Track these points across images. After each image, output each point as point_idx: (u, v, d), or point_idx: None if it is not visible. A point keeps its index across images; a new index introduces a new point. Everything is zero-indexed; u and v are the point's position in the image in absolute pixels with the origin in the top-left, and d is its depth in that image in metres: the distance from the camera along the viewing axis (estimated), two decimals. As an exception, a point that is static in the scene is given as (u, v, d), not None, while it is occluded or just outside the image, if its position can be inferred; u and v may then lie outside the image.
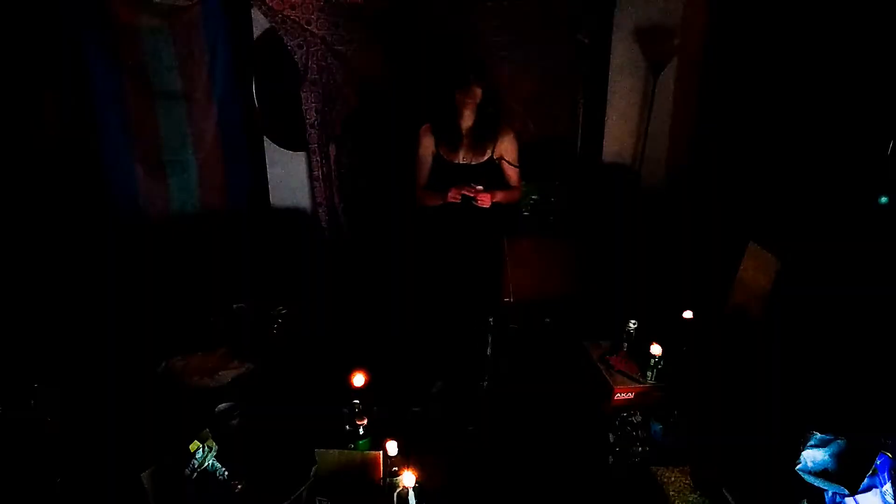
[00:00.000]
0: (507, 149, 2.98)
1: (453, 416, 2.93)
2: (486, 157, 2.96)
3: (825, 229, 2.76)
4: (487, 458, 2.67)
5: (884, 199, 2.63)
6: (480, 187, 2.87)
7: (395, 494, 2.14)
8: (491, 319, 3.10)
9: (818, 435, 2.07)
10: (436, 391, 3.07)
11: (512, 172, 3.01)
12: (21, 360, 2.92)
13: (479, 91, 2.83)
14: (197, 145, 3.90)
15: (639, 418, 2.58)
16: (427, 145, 3.00)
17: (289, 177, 4.12)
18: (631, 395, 2.68)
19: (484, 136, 2.93)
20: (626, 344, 2.90)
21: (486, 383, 3.04)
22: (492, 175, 2.97)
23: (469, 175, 2.93)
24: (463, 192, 2.86)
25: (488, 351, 3.07)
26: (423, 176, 3.05)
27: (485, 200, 2.86)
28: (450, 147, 2.96)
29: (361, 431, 2.45)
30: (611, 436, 2.56)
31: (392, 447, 2.26)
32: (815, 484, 2.00)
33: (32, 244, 3.51)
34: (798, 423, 2.13)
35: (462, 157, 2.96)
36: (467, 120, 2.90)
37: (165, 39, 3.64)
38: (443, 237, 3.04)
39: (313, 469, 2.27)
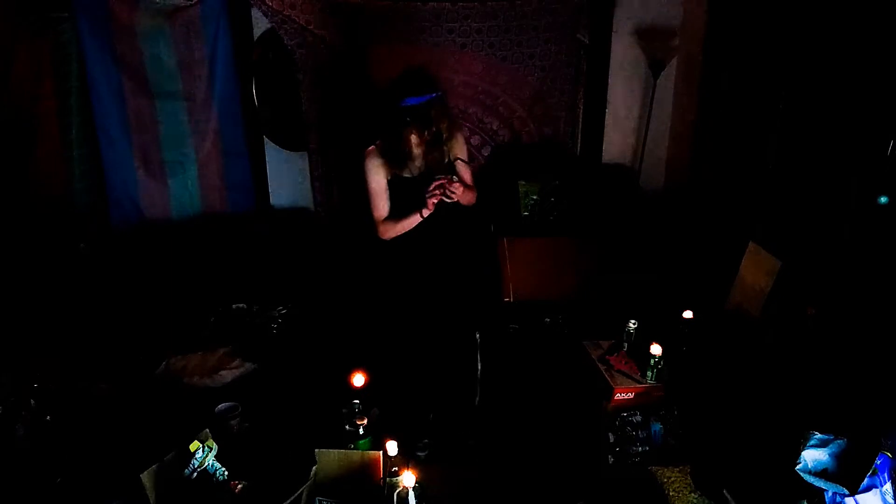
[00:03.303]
0: (459, 148, 2.74)
1: (451, 434, 2.88)
2: (445, 161, 2.70)
3: (825, 229, 2.76)
4: (487, 458, 2.67)
5: (884, 199, 2.62)
6: (454, 177, 2.61)
7: (395, 494, 2.14)
8: (478, 335, 2.92)
9: (818, 435, 2.07)
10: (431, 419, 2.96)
11: (466, 172, 2.75)
12: (21, 360, 2.92)
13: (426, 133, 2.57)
14: (197, 145, 3.91)
15: (639, 418, 2.58)
16: (378, 169, 2.68)
17: (289, 177, 4.12)
18: (631, 395, 2.68)
19: (437, 142, 2.63)
20: (626, 344, 2.89)
21: (478, 399, 2.99)
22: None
23: (431, 183, 2.58)
24: (439, 182, 2.53)
25: (478, 373, 2.94)
26: (383, 206, 2.72)
27: (456, 190, 2.54)
28: (403, 164, 2.66)
29: (361, 431, 2.45)
30: (611, 436, 2.56)
31: (392, 447, 2.26)
32: (815, 484, 2.00)
33: (32, 243, 3.52)
34: (798, 423, 2.13)
35: (419, 171, 2.67)
36: (419, 134, 2.59)
37: (165, 39, 3.65)
38: (412, 252, 2.77)
39: (313, 469, 2.27)
